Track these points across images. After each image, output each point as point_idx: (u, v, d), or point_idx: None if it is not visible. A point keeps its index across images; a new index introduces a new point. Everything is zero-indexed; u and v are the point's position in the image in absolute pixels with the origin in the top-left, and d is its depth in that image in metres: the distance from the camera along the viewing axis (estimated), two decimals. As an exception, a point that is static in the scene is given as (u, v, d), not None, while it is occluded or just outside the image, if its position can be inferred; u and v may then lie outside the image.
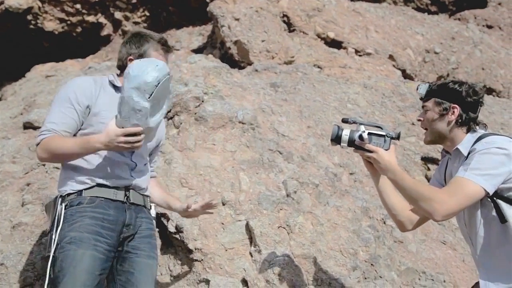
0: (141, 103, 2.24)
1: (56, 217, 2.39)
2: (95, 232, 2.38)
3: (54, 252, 2.34)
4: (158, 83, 2.26)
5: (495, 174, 2.16)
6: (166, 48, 2.70)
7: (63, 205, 2.42)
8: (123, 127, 2.30)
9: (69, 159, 2.47)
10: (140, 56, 2.60)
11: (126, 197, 2.53)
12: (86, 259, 2.32)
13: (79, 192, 2.45)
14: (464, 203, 2.17)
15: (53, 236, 2.35)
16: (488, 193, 2.17)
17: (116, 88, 2.60)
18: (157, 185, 2.94)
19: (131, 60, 2.59)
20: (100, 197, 2.45)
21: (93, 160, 2.48)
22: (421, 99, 2.49)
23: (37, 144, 2.46)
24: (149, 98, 2.25)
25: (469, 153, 2.27)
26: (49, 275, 2.33)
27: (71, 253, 2.31)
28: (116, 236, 2.45)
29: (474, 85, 2.40)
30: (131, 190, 2.56)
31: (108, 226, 2.42)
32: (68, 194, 2.45)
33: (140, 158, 2.63)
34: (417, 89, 2.50)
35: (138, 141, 2.33)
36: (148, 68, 2.25)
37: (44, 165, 3.95)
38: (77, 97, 2.47)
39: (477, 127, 2.38)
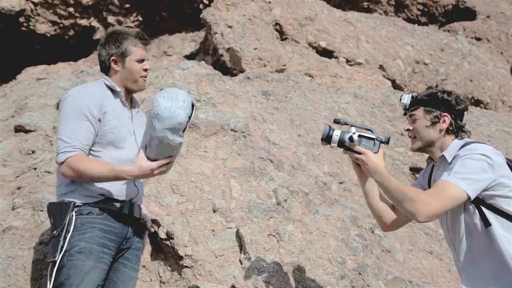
0: (176, 140, 2.29)
1: (66, 224, 2.39)
2: (103, 244, 2.42)
3: (62, 259, 2.35)
4: (189, 118, 2.29)
5: (476, 179, 2.21)
6: (145, 41, 2.67)
7: (73, 212, 2.42)
8: (155, 159, 2.33)
9: (96, 182, 2.46)
10: (122, 54, 2.57)
11: (130, 211, 2.56)
12: (94, 272, 2.36)
13: (88, 203, 2.46)
14: (447, 205, 2.22)
15: (61, 242, 2.36)
16: (469, 197, 2.22)
17: (114, 92, 2.59)
18: None
19: (114, 61, 2.58)
20: (108, 209, 2.48)
21: None
22: (405, 109, 2.55)
23: (62, 162, 2.40)
24: (183, 133, 2.29)
25: (453, 159, 2.33)
26: (53, 280, 2.34)
27: (80, 263, 2.34)
28: (117, 248, 2.50)
29: (459, 95, 2.50)
30: (134, 204, 2.61)
31: (114, 239, 2.47)
32: (77, 205, 2.45)
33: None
34: (400, 99, 2.55)
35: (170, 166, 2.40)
36: (177, 108, 2.24)
37: (35, 169, 3.95)
38: (90, 109, 2.44)
39: (464, 134, 2.46)
